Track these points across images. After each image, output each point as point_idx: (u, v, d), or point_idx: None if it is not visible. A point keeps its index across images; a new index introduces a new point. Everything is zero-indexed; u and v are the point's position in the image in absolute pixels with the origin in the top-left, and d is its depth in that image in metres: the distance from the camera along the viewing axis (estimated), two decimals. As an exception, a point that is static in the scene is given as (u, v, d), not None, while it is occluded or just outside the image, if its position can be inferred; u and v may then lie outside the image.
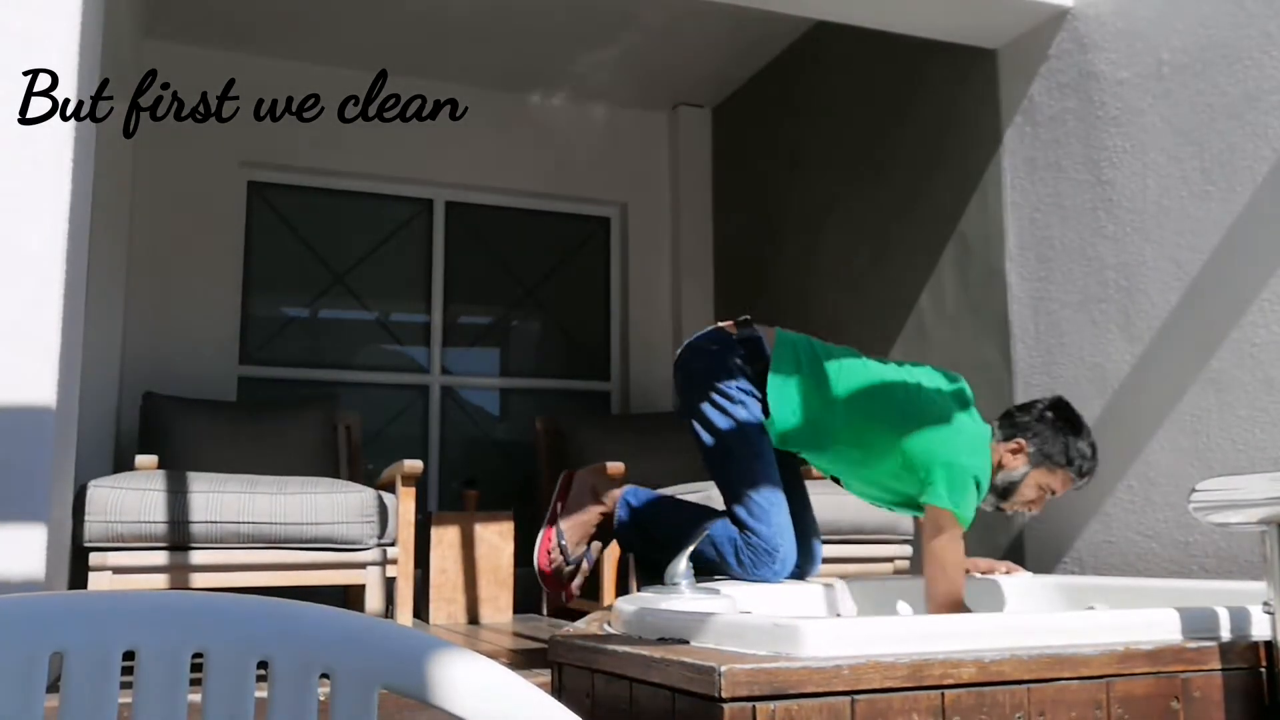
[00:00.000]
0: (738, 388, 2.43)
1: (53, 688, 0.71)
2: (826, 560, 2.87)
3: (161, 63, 4.42)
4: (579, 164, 5.11)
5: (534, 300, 5.12)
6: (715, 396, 2.43)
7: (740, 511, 2.38)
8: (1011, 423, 2.40)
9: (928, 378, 2.46)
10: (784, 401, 2.41)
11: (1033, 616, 1.57)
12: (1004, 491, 2.37)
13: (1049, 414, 2.37)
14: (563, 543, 2.50)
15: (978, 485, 2.27)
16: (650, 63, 4.83)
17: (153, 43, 4.42)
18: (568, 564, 2.49)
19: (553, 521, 2.56)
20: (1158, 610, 1.56)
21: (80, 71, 1.94)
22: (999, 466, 2.36)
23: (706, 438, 2.45)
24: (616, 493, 2.57)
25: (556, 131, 5.09)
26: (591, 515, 2.54)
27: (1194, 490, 1.54)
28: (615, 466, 3.42)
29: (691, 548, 1.97)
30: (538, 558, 2.53)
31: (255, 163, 4.61)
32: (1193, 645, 1.48)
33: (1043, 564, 3.05)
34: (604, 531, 2.57)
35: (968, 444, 2.30)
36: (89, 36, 2.03)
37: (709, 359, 2.47)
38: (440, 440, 4.81)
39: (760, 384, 2.43)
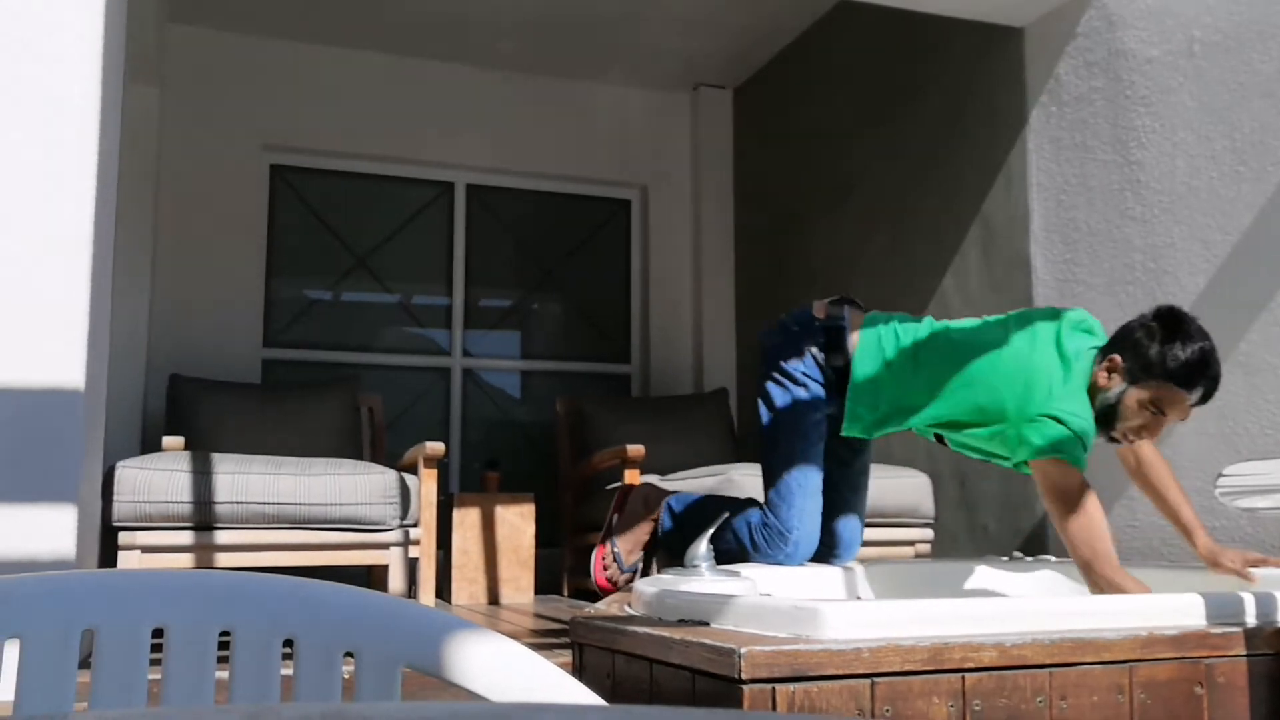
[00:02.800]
0: (803, 371, 2.39)
1: (84, 664, 0.72)
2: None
3: (186, 47, 4.44)
4: (599, 146, 5.09)
5: (554, 283, 5.12)
6: (778, 375, 2.42)
7: (770, 491, 2.39)
8: (1112, 340, 2.13)
9: (999, 327, 2.26)
10: (864, 398, 2.33)
11: (1054, 600, 1.57)
12: (1104, 417, 2.09)
13: (1152, 322, 2.07)
14: (616, 551, 2.59)
15: (1066, 424, 2.02)
16: (671, 44, 4.80)
17: (176, 27, 4.44)
18: (623, 572, 2.56)
19: (607, 537, 2.65)
20: (1182, 595, 1.55)
21: (105, 56, 1.96)
22: (1098, 389, 2.10)
23: (764, 414, 2.45)
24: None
25: (577, 113, 5.07)
26: (645, 527, 2.62)
27: (1220, 475, 1.53)
28: (635, 449, 3.43)
29: (712, 530, 1.98)
30: (595, 576, 2.61)
31: (278, 146, 4.63)
32: (1217, 631, 1.47)
33: (1067, 549, 3.03)
34: (655, 541, 2.65)
35: (1037, 386, 2.08)
36: (113, 22, 2.04)
37: (784, 338, 2.45)
38: (462, 422, 4.84)
39: (838, 375, 2.37)
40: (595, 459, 3.80)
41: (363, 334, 4.78)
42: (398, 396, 4.69)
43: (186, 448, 3.21)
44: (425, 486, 3.03)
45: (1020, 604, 1.54)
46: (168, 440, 3.12)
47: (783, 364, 2.41)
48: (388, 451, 4.16)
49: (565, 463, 4.30)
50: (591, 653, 1.68)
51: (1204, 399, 2.05)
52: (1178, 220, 2.75)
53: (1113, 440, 2.15)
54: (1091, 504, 2.00)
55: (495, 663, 0.73)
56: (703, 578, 1.88)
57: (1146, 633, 1.42)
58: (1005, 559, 2.62)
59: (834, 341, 2.37)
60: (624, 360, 5.17)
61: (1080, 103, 3.10)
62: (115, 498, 2.62)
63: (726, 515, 2.26)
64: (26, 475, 1.81)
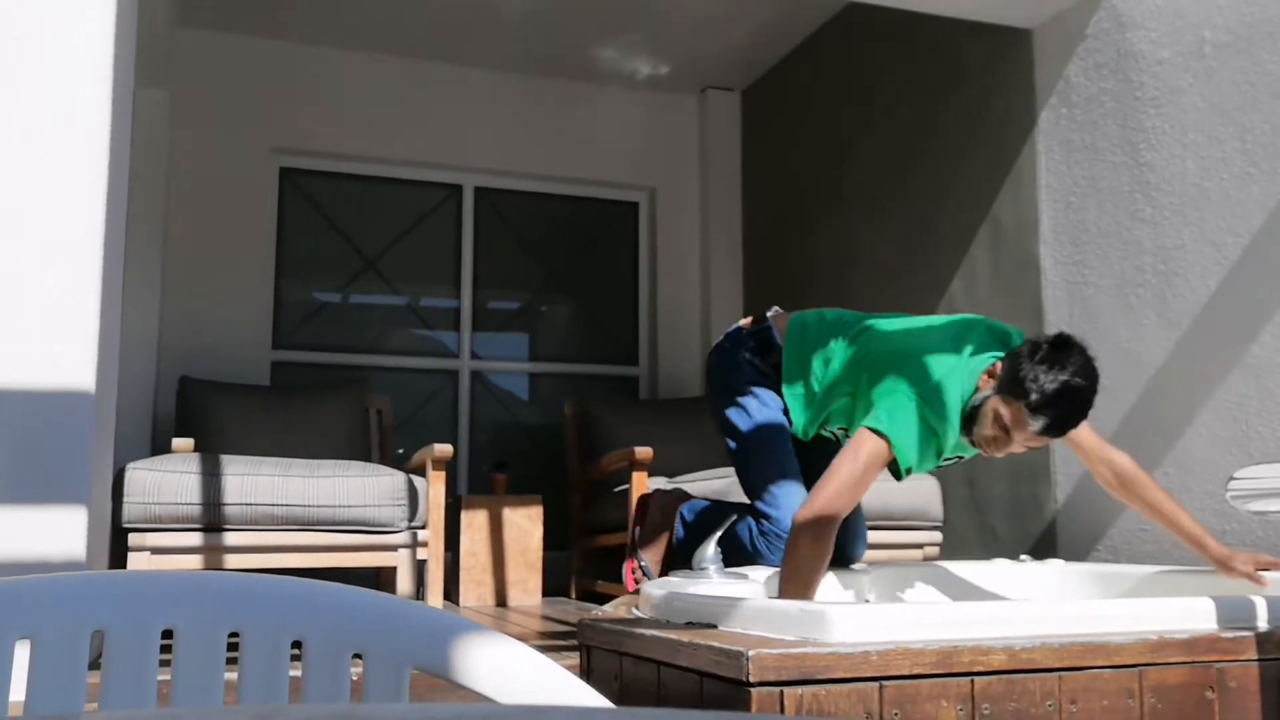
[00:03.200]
0: (748, 383, 2.46)
1: (94, 665, 0.72)
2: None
3: (196, 50, 4.46)
4: (607, 148, 5.10)
5: (562, 285, 5.13)
6: (732, 396, 2.48)
7: (758, 503, 2.42)
8: (1010, 350, 2.10)
9: (933, 323, 2.26)
10: (796, 390, 2.40)
11: (1064, 604, 1.56)
12: (968, 418, 2.06)
13: (1045, 343, 2.03)
14: (643, 564, 2.62)
15: (929, 425, 1.99)
16: (679, 46, 4.80)
17: (187, 30, 4.46)
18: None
19: (633, 548, 2.68)
20: (1193, 599, 1.54)
21: (115, 60, 1.97)
22: (977, 391, 2.07)
23: (730, 441, 2.51)
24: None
25: (585, 116, 5.08)
26: (666, 535, 2.65)
27: (1232, 478, 1.52)
28: (643, 452, 3.43)
29: (719, 533, 1.98)
30: (626, 583, 2.66)
31: (287, 149, 4.65)
32: (1228, 635, 1.46)
33: (1076, 552, 3.02)
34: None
35: (926, 371, 2.03)
36: (124, 25, 2.06)
37: (721, 358, 2.54)
38: (470, 424, 4.85)
39: (776, 374, 2.44)
40: (603, 461, 3.80)
41: (371, 336, 4.80)
42: (406, 399, 4.70)
43: (196, 449, 3.22)
44: (433, 489, 3.03)
45: (1029, 607, 1.53)
46: (177, 442, 3.13)
47: (730, 383, 2.48)
48: (395, 454, 4.17)
49: (573, 465, 4.30)
50: (599, 655, 1.68)
51: (1048, 431, 1.98)
52: (1188, 222, 2.74)
53: (972, 444, 2.13)
54: (855, 496, 1.95)
55: (503, 665, 0.73)
56: (711, 580, 1.88)
57: (1157, 636, 1.41)
58: (1014, 562, 2.62)
59: (763, 341, 2.45)
60: (632, 362, 5.17)
61: (1090, 104, 3.09)
62: (125, 499, 2.63)
63: (734, 518, 2.26)
64: (37, 477, 1.82)
